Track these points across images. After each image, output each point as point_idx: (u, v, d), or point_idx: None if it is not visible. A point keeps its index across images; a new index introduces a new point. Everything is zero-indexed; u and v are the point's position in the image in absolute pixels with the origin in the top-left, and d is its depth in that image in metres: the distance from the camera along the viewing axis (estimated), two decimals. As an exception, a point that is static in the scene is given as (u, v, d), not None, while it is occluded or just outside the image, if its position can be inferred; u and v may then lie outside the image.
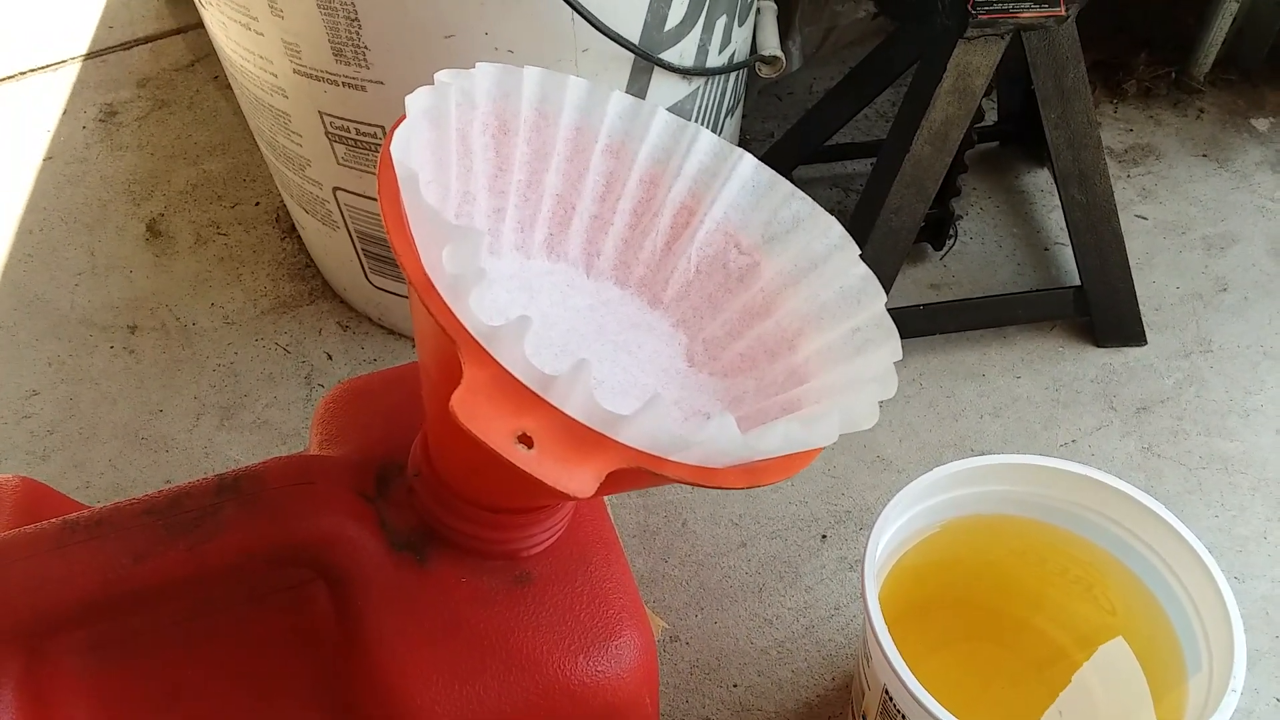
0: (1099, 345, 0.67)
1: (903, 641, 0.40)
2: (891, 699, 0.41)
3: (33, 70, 0.90)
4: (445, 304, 0.27)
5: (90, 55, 0.91)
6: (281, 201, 0.77)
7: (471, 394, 0.26)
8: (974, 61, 0.56)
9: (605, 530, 0.41)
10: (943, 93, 0.56)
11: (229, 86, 0.86)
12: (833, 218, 0.36)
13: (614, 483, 0.28)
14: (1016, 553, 0.48)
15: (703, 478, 0.29)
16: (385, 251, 0.62)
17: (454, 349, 0.27)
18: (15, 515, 0.41)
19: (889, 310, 0.34)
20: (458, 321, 0.27)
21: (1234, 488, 0.61)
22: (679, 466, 0.28)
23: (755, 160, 0.37)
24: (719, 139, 0.38)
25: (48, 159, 0.82)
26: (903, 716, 0.41)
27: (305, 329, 0.70)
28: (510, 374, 0.27)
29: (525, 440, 0.26)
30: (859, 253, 0.35)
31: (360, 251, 0.63)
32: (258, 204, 0.78)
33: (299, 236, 0.75)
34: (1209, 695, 0.40)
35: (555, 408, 0.27)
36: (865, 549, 0.43)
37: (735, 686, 0.54)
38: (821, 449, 0.32)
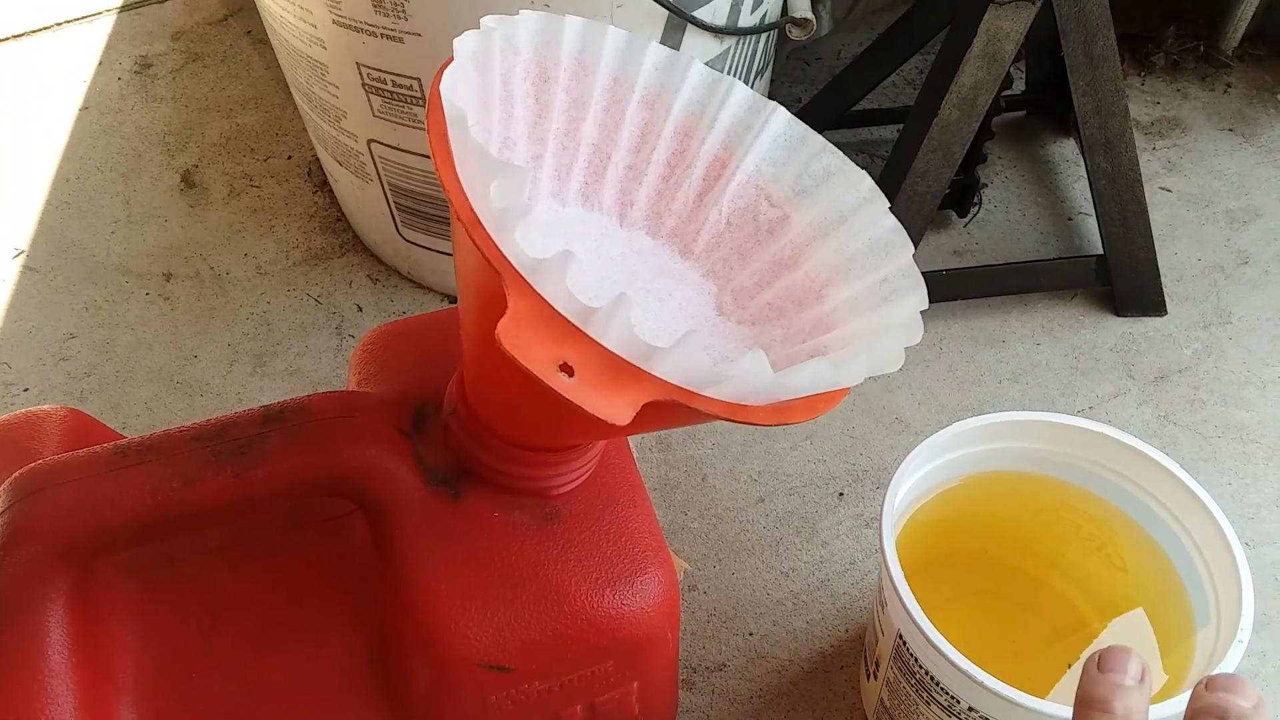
0: (1119, 314, 0.68)
1: (917, 593, 0.41)
2: (905, 643, 0.43)
3: (69, 21, 0.91)
4: (490, 238, 0.28)
5: (125, 8, 0.92)
6: (314, 155, 0.79)
7: (515, 323, 0.27)
8: (1004, 26, 0.56)
9: (631, 474, 0.43)
10: (972, 57, 0.57)
11: (262, 41, 0.88)
12: (863, 172, 0.37)
13: (648, 416, 0.29)
14: (1031, 510, 0.49)
15: (733, 413, 0.30)
16: (417, 205, 0.63)
17: (498, 281, 0.28)
18: (63, 443, 0.42)
19: (912, 272, 0.35)
20: (502, 255, 0.28)
21: (1248, 457, 0.62)
22: (710, 401, 0.30)
23: (788, 114, 0.38)
24: (753, 92, 0.38)
25: (84, 109, 0.83)
26: (915, 660, 0.42)
27: (336, 281, 0.71)
28: (551, 307, 0.28)
29: (566, 369, 0.27)
30: (888, 205, 0.36)
31: (393, 205, 0.64)
32: (290, 158, 0.79)
33: (330, 190, 0.76)
34: (1216, 647, 0.41)
35: (594, 341, 0.28)
36: (883, 501, 0.44)
37: (751, 634, 0.56)
38: (847, 391, 0.33)
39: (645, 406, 0.28)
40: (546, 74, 0.36)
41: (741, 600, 0.57)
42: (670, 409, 0.29)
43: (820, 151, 0.38)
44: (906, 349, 0.32)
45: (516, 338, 0.27)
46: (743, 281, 0.39)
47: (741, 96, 0.38)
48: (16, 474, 0.36)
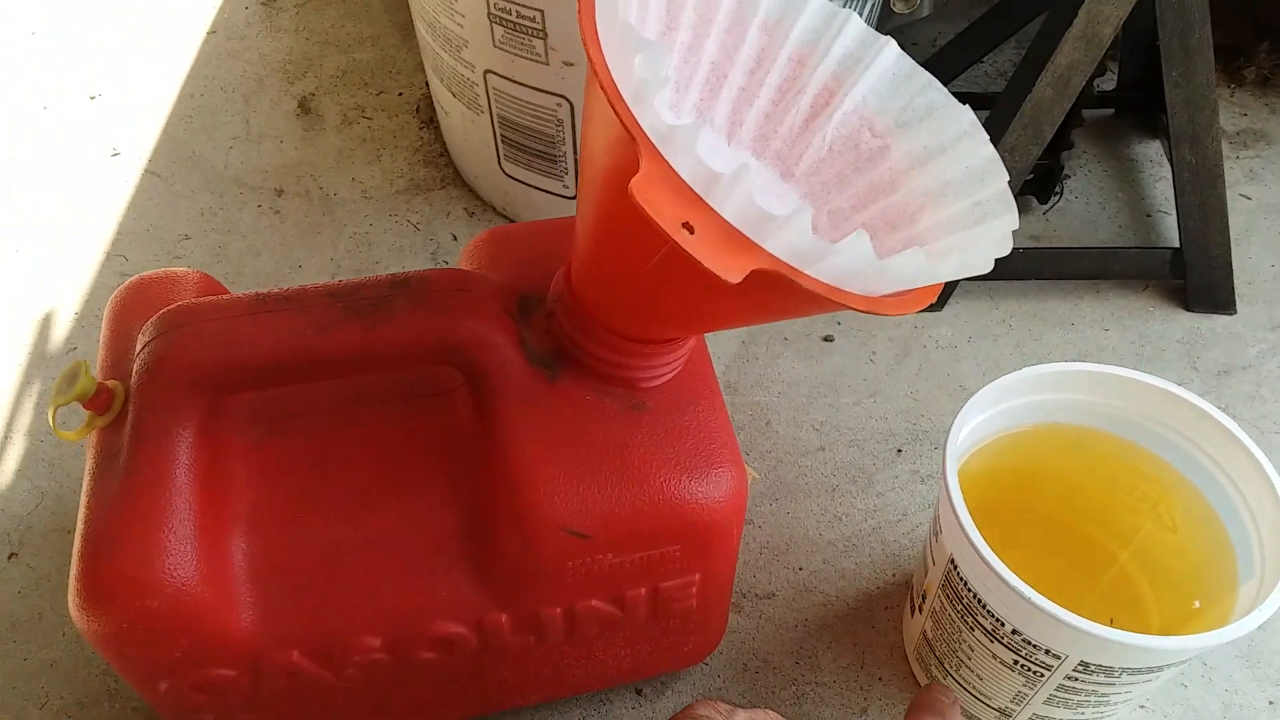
0: (1189, 309, 0.69)
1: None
2: (956, 567, 0.45)
3: (202, -45, 0.96)
4: (628, 107, 0.31)
5: (255, -53, 0.97)
6: (424, 94, 0.83)
7: (647, 181, 0.30)
8: (1105, 10, 0.58)
9: (711, 382, 0.45)
10: (1071, 37, 0.59)
11: (382, -15, 0.92)
12: (965, 107, 0.39)
13: (755, 289, 0.31)
14: (1087, 466, 0.51)
15: (832, 293, 0.32)
16: (523, 139, 0.66)
17: (632, 148, 0.31)
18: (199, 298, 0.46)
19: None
20: (637, 123, 0.31)
21: (1305, 454, 0.63)
22: (812, 280, 0.32)
23: (898, 49, 0.41)
24: (867, 26, 0.41)
25: (211, 33, 0.88)
26: (964, 583, 0.45)
27: (435, 210, 0.75)
28: (678, 176, 0.31)
29: (688, 227, 0.30)
30: (987, 137, 0.39)
31: (499, 137, 0.68)
32: (401, 95, 0.83)
33: (436, 127, 0.80)
34: (1258, 596, 0.42)
35: (714, 211, 0.31)
36: (945, 445, 0.45)
37: (801, 569, 0.58)
38: (935, 295, 0.36)
39: (753, 275, 0.31)
40: (680, -12, 0.39)
41: (794, 537, 0.60)
42: (775, 283, 0.32)
43: (926, 87, 0.40)
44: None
45: (647, 193, 0.30)
46: (840, 204, 0.41)
47: (856, 29, 0.41)
48: (163, 311, 0.40)
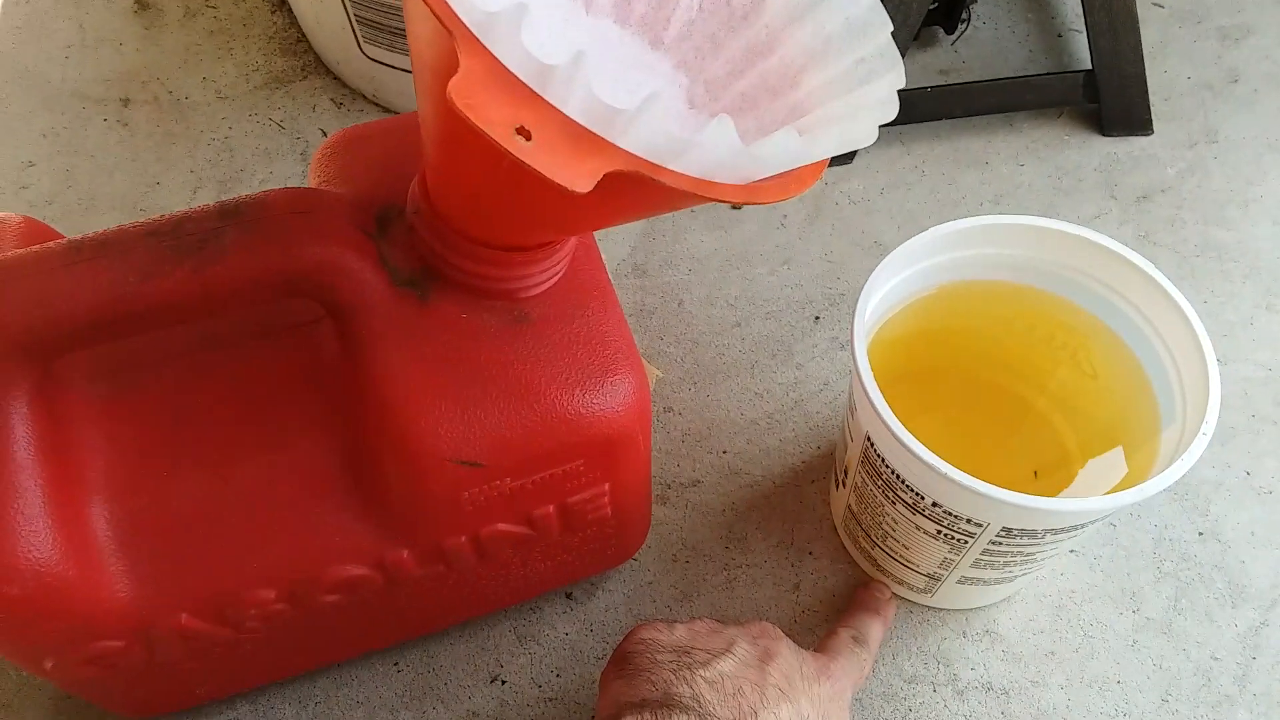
0: (1105, 134, 0.66)
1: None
2: (873, 444, 0.43)
3: None
4: (441, -3, 0.27)
5: None
6: (271, -26, 0.75)
7: (468, 82, 0.26)
8: None
9: (601, 279, 0.42)
10: None
11: None
12: (841, -53, 0.35)
13: (612, 192, 0.28)
14: (1003, 320, 0.49)
15: (700, 188, 0.29)
16: (379, 17, 0.60)
17: (451, 44, 0.27)
18: (19, 247, 0.41)
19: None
20: (453, 12, 0.27)
21: (1226, 275, 0.61)
22: (676, 175, 0.28)
23: (762, -114, 0.36)
24: None
25: (26, -74, 0.79)
26: (882, 460, 0.43)
27: (299, 105, 0.69)
28: (508, 70, 0.27)
29: (523, 133, 0.26)
30: (866, -18, 0.34)
31: (353, 19, 0.61)
32: (247, -23, 0.75)
33: (289, 10, 0.72)
34: (1180, 442, 0.41)
35: (554, 107, 0.27)
36: (854, 309, 0.43)
37: (725, 453, 0.57)
38: (819, 175, 0.32)
39: (608, 179, 0.27)
40: None
41: (716, 420, 0.58)
42: (635, 183, 0.28)
43: (797, -74, 0.36)
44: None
45: (470, 98, 0.25)
46: (715, 71, 0.37)
47: None
48: (-32, 273, 0.35)
